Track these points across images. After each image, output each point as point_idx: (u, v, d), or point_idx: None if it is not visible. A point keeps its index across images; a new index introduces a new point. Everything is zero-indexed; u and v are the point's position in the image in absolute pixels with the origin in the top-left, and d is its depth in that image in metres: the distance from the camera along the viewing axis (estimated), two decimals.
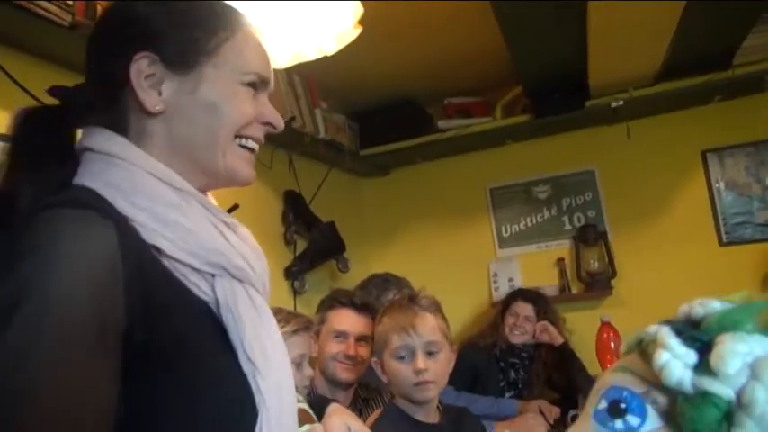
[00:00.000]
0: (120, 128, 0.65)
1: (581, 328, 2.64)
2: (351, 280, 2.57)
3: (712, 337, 0.33)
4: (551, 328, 2.41)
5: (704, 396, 0.31)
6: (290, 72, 2.22)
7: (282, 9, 1.30)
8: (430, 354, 1.26)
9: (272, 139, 2.31)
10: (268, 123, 0.71)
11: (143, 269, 0.56)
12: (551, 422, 2.02)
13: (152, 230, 0.59)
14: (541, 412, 2.04)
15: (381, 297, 2.27)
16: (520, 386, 2.42)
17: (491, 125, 2.77)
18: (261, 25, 1.34)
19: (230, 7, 0.70)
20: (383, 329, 1.34)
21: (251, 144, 0.70)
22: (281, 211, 2.41)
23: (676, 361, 0.32)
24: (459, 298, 2.88)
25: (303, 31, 1.37)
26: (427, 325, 1.28)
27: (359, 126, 2.85)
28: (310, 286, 2.42)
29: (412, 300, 1.36)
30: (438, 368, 1.27)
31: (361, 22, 1.39)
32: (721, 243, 2.69)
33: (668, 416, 0.33)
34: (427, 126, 2.88)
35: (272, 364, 0.63)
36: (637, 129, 2.77)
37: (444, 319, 1.37)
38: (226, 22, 0.68)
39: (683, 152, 2.76)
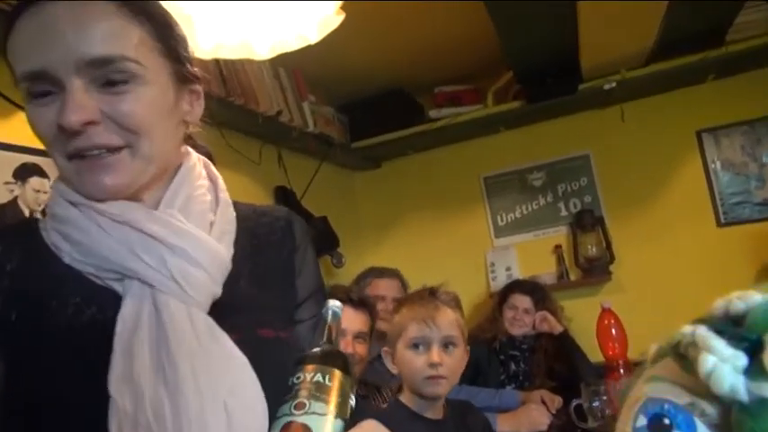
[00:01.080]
0: None
1: (580, 315, 2.61)
2: (345, 275, 2.52)
3: (760, 334, 0.28)
4: (550, 318, 2.38)
5: (764, 403, 0.26)
6: (275, 64, 2.15)
7: None
8: (446, 348, 1.24)
9: (260, 135, 2.26)
10: (61, 128, 0.56)
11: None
12: (554, 411, 1.98)
13: (63, 250, 0.60)
14: (543, 402, 2.01)
15: (360, 282, 2.23)
16: (521, 378, 2.38)
17: (483, 113, 2.72)
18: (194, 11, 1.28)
19: None
20: (400, 319, 1.31)
21: (87, 154, 0.58)
22: None
23: (725, 365, 0.27)
24: (456, 289, 2.74)
25: (282, 19, 1.31)
26: (446, 319, 1.26)
27: (348, 118, 2.79)
28: None
29: (432, 293, 1.34)
30: (452, 364, 1.24)
31: (344, 8, 1.33)
32: (719, 224, 2.66)
33: (721, 429, 0.28)
34: (418, 116, 2.83)
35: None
36: (631, 111, 2.73)
37: (463, 315, 1.36)
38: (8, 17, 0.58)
39: (678, 133, 2.72)
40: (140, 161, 0.59)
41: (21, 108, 1.45)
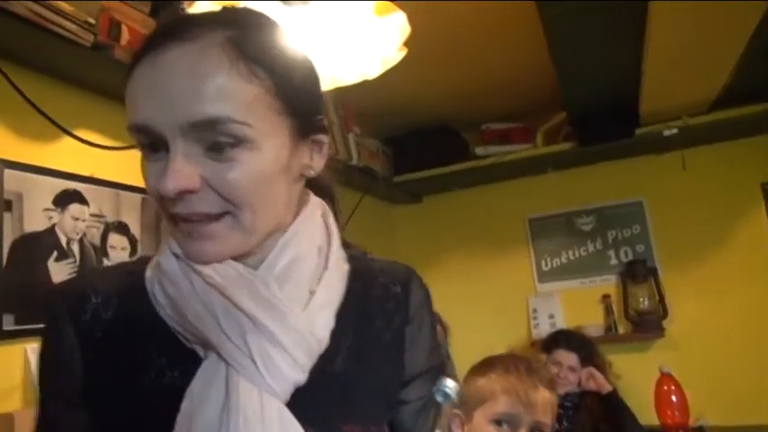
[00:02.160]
0: None
1: (629, 371, 2.45)
2: None
3: None
4: (598, 375, 2.22)
5: None
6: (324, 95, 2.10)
7: (325, 30, 1.18)
8: None
9: None
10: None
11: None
12: None
13: (162, 305, 0.57)
14: None
15: None
16: None
17: (531, 152, 2.62)
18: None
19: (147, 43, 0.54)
20: (488, 385, 1.17)
21: (183, 217, 0.54)
22: None
23: None
24: (495, 334, 2.71)
25: (344, 54, 1.25)
26: (543, 403, 1.13)
27: (393, 151, 2.72)
28: None
29: (531, 369, 1.21)
30: None
31: (406, 43, 1.26)
32: None
33: None
34: (463, 152, 2.75)
35: None
36: (690, 158, 2.59)
37: (557, 398, 1.22)
38: (128, 70, 0.55)
39: (742, 184, 2.57)
40: (240, 233, 0.54)
41: (67, 133, 1.42)
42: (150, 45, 0.53)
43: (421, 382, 0.65)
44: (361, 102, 2.29)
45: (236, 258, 0.55)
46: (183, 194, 0.51)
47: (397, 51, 1.26)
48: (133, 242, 1.54)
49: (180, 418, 0.51)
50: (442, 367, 0.68)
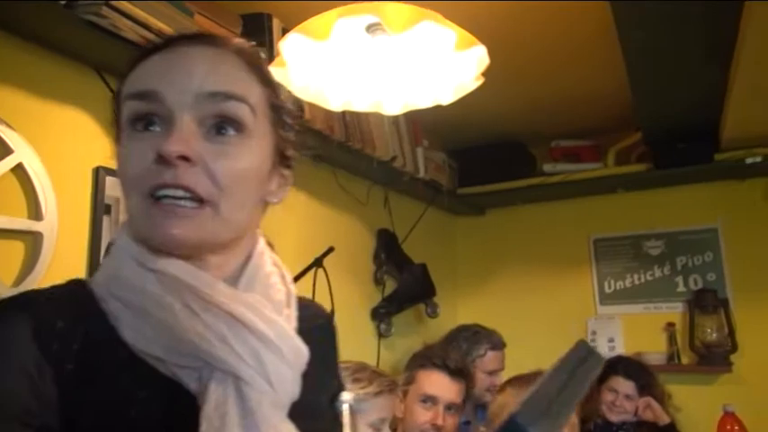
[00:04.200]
0: None
1: (691, 405, 2.36)
2: (438, 325, 2.44)
3: None
4: (656, 406, 2.17)
5: None
6: None
7: (404, 60, 1.22)
8: None
9: (369, 176, 2.26)
10: (161, 158, 0.51)
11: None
12: None
13: (124, 322, 0.53)
14: None
15: (472, 351, 2.14)
16: None
17: (601, 173, 2.56)
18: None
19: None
20: (507, 400, 1.25)
21: (167, 194, 0.52)
22: (374, 250, 2.33)
23: None
24: (551, 356, 2.63)
25: (419, 82, 1.28)
26: None
27: (458, 164, 2.73)
28: (396, 330, 2.32)
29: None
30: None
31: (484, 73, 1.28)
32: None
33: None
34: (530, 168, 2.72)
35: None
36: None
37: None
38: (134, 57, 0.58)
39: None
40: (218, 222, 0.54)
41: None
42: (170, 42, 0.57)
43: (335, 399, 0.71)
44: (431, 116, 2.31)
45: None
46: (180, 162, 0.51)
47: (474, 81, 1.28)
48: None
49: None
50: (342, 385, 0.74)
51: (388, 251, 2.32)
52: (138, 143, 0.53)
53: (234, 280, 0.56)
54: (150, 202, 0.52)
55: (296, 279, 1.58)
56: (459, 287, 2.97)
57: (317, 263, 1.61)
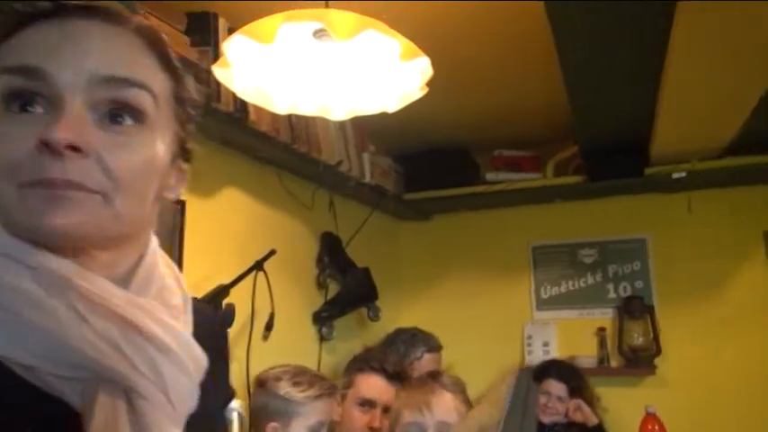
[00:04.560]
0: None
1: (617, 406, 2.49)
2: (381, 329, 2.47)
3: None
4: (585, 408, 2.27)
5: None
6: None
7: (350, 66, 1.23)
8: None
9: (314, 179, 2.26)
10: (46, 146, 0.44)
11: None
12: None
13: None
14: None
15: (410, 354, 2.17)
16: None
17: (541, 182, 2.66)
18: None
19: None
20: (398, 404, 1.30)
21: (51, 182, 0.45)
22: (317, 253, 2.33)
23: None
24: (488, 358, 2.76)
25: (365, 89, 1.30)
26: (444, 404, 1.22)
27: (404, 169, 2.77)
28: (338, 333, 2.33)
29: (434, 377, 1.31)
30: None
31: (429, 82, 1.31)
32: None
33: None
34: (474, 176, 2.79)
35: None
36: (697, 200, 2.63)
37: (466, 400, 1.31)
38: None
39: (745, 230, 2.60)
40: (110, 214, 0.47)
41: None
42: (59, 10, 0.49)
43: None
44: (376, 121, 2.33)
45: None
46: (69, 152, 0.44)
47: (418, 91, 1.31)
48: None
49: None
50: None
51: (332, 255, 2.32)
52: (12, 126, 0.45)
53: (125, 282, 0.50)
54: (27, 190, 0.45)
55: (235, 282, 1.58)
56: (404, 291, 3.01)
57: (258, 266, 1.60)
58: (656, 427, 1.93)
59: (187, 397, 0.50)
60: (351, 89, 1.32)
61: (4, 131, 0.46)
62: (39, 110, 0.46)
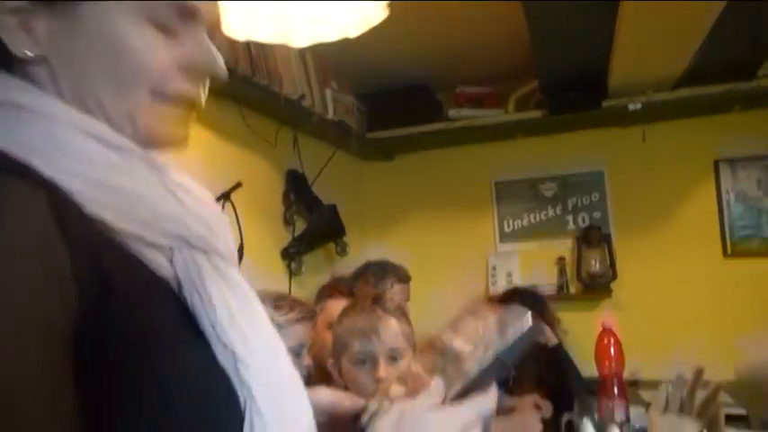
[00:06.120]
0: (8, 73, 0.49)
1: (577, 329, 2.62)
2: (348, 264, 2.52)
3: None
4: (546, 330, 2.38)
5: None
6: (302, 49, 2.12)
7: None
8: (393, 361, 1.20)
9: (277, 116, 2.24)
10: (194, 67, 0.53)
11: (91, 250, 0.43)
12: (546, 417, 2.00)
13: (90, 200, 0.45)
14: (536, 406, 2.02)
15: (379, 285, 2.23)
16: (510, 383, 2.40)
17: (502, 118, 2.69)
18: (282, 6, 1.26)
19: None
20: (342, 332, 1.27)
21: (175, 98, 0.53)
22: (283, 191, 2.34)
23: None
24: (455, 289, 2.85)
25: (325, 13, 1.29)
26: (390, 330, 1.21)
27: (367, 108, 2.76)
28: (307, 269, 2.37)
29: (376, 302, 1.29)
30: None
31: (390, 5, 1.31)
32: (725, 254, 2.66)
33: None
34: (437, 113, 2.80)
35: (255, 349, 0.52)
36: (652, 132, 2.71)
37: (409, 323, 1.31)
38: None
39: (697, 160, 2.71)
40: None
41: None
42: None
43: None
44: (340, 58, 2.31)
45: None
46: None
47: (382, 12, 1.31)
48: None
49: (202, 310, 0.51)
50: None
51: (298, 192, 2.34)
52: (165, 38, 0.51)
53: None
54: (152, 101, 0.51)
55: None
56: (369, 227, 3.06)
57: (225, 196, 1.61)
58: (612, 340, 2.04)
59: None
60: (310, 14, 1.31)
61: (158, 41, 0.51)
62: (172, 30, 0.52)
